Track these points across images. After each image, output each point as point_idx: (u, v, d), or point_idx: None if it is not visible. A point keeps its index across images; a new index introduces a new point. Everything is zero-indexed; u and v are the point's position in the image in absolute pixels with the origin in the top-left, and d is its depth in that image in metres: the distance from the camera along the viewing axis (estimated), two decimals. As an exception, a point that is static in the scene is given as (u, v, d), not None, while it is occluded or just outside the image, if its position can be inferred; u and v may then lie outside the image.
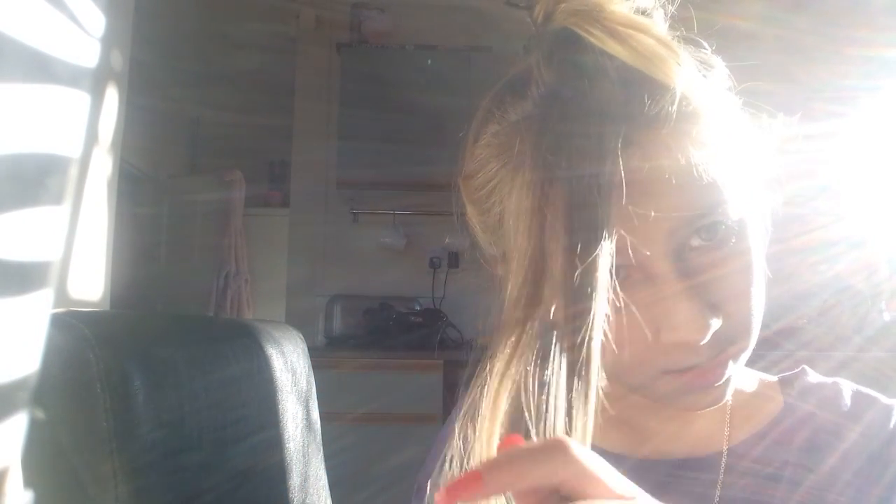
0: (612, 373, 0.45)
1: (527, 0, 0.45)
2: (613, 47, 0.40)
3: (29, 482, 0.47)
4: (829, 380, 0.56)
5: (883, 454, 0.50)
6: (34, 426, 0.42)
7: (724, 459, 0.52)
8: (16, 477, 0.45)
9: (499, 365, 0.39)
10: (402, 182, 2.80)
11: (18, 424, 0.39)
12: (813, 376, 0.57)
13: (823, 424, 0.52)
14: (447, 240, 2.97)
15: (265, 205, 3.62)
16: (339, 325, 2.95)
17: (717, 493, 0.51)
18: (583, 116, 0.40)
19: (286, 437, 0.78)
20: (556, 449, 0.31)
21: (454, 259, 3.03)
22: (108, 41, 1.02)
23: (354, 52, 2.96)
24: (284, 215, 3.22)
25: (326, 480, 0.90)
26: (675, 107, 0.41)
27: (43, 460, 0.49)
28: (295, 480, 0.79)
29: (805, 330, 1.92)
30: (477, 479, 0.30)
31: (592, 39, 0.41)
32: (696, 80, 0.43)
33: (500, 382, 0.38)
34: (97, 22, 0.42)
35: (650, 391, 0.47)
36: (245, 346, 0.74)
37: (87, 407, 0.51)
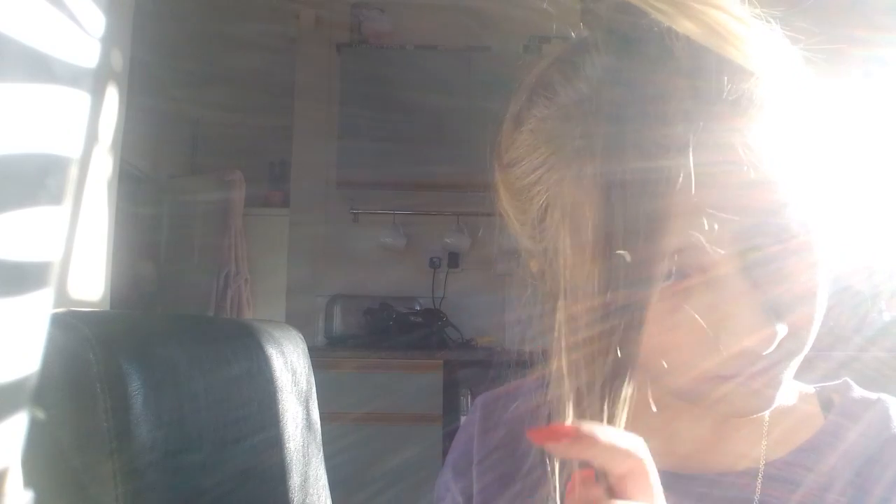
0: (655, 376, 0.43)
1: None
2: (683, 24, 0.36)
3: (29, 482, 0.47)
4: (874, 396, 0.52)
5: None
6: (34, 426, 0.42)
7: (760, 475, 0.49)
8: (16, 477, 0.45)
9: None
10: (402, 182, 2.80)
11: (18, 424, 0.39)
12: (856, 391, 0.52)
13: (867, 448, 0.48)
14: (447, 240, 2.97)
15: (265, 205, 3.62)
16: (339, 325, 2.95)
17: None
18: (645, 102, 0.36)
19: (286, 437, 0.78)
20: (630, 444, 0.33)
21: (454, 259, 3.03)
22: (108, 41, 1.02)
23: (354, 52, 2.96)
24: (284, 215, 3.22)
25: (326, 480, 0.90)
26: (755, 92, 0.37)
27: (43, 460, 0.49)
28: (295, 480, 0.79)
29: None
30: (570, 433, 0.31)
31: (658, 15, 0.36)
32: (778, 63, 0.39)
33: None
34: (97, 22, 0.42)
35: (696, 396, 0.44)
36: (245, 346, 0.74)
37: (87, 407, 0.51)
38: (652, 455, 0.53)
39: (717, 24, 0.36)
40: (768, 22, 0.41)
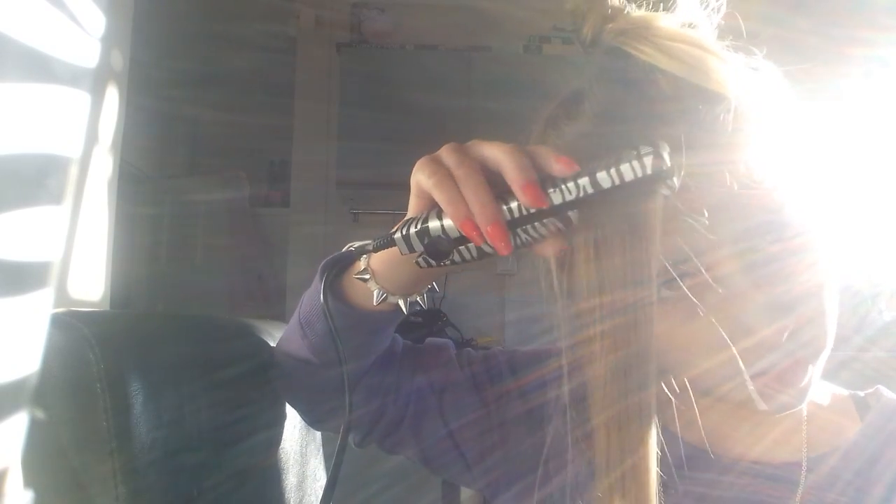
0: (669, 368, 0.46)
1: (573, 23, 0.46)
2: (663, 61, 0.40)
3: (29, 482, 0.47)
4: None
5: None
6: (34, 426, 0.42)
7: (804, 470, 0.50)
8: (16, 477, 0.45)
9: None
10: (402, 182, 2.78)
11: (18, 424, 0.39)
12: (887, 393, 0.55)
13: (877, 449, 0.50)
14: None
15: (265, 205, 3.62)
16: (339, 325, 2.93)
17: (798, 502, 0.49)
18: (637, 129, 0.40)
19: (285, 438, 0.78)
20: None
21: (454, 259, 3.02)
22: (108, 41, 1.02)
23: (354, 52, 2.96)
24: (284, 215, 3.22)
25: (326, 480, 0.90)
26: (731, 114, 0.41)
27: (43, 460, 0.49)
28: (291, 480, 0.79)
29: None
30: None
31: (642, 56, 0.41)
32: (750, 86, 0.43)
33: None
34: (97, 22, 0.42)
35: (725, 394, 0.46)
36: (245, 346, 0.74)
37: (87, 407, 0.51)
38: (673, 434, 0.54)
39: (692, 58, 0.41)
40: (749, 50, 0.46)
